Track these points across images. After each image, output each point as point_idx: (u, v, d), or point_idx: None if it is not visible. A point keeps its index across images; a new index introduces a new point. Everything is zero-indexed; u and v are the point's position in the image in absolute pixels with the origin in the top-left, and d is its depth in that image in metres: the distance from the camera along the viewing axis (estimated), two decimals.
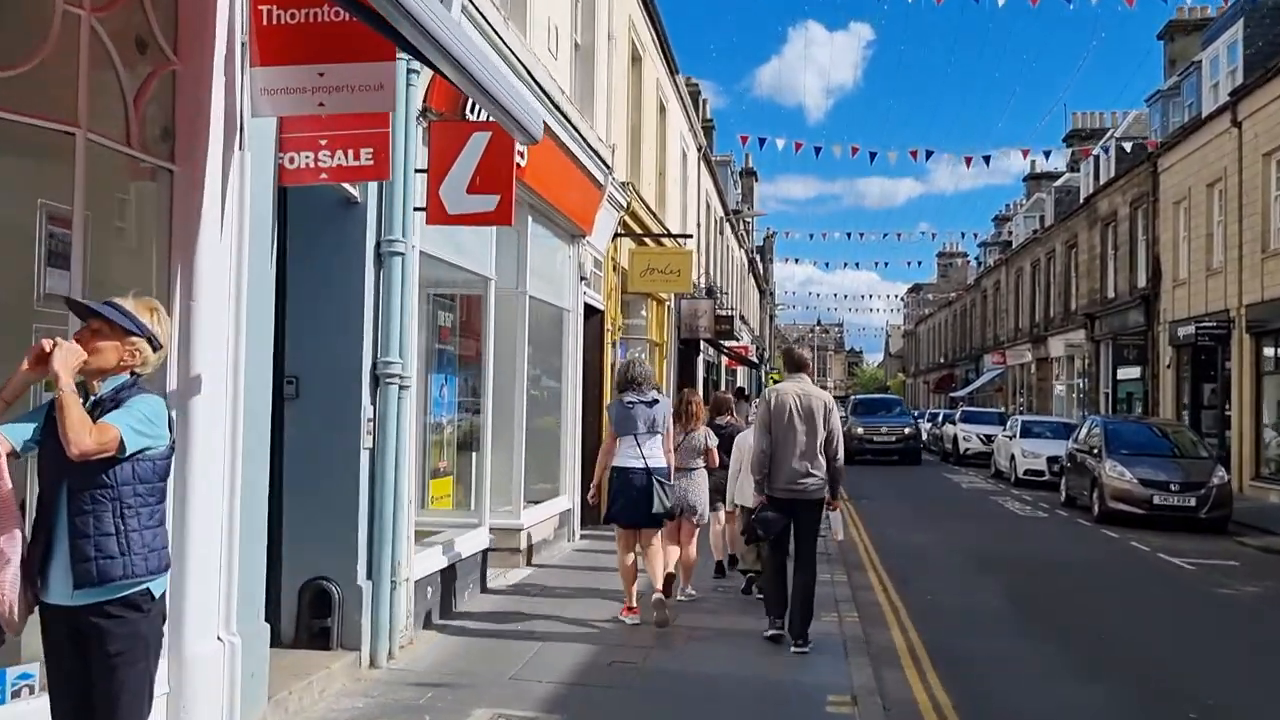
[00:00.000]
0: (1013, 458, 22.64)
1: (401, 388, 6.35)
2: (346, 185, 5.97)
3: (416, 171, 6.60)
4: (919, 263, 73.81)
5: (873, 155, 22.51)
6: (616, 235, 13.53)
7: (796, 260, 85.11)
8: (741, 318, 38.21)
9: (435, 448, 9.41)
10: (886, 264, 79.00)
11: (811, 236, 64.58)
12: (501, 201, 6.56)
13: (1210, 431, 21.76)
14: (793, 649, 6.82)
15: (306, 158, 5.26)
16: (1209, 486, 15.14)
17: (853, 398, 37.28)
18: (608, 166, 11.83)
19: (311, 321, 6.13)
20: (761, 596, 7.68)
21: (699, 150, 24.78)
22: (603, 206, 12.03)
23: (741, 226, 42.22)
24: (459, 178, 6.55)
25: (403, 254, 6.33)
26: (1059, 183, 40.74)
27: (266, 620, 5.18)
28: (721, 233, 31.90)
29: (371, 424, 6.18)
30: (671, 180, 20.09)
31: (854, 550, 12.48)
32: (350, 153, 5.26)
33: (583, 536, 12.14)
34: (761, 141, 22.30)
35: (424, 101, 6.74)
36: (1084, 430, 18.53)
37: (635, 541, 7.70)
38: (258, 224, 4.85)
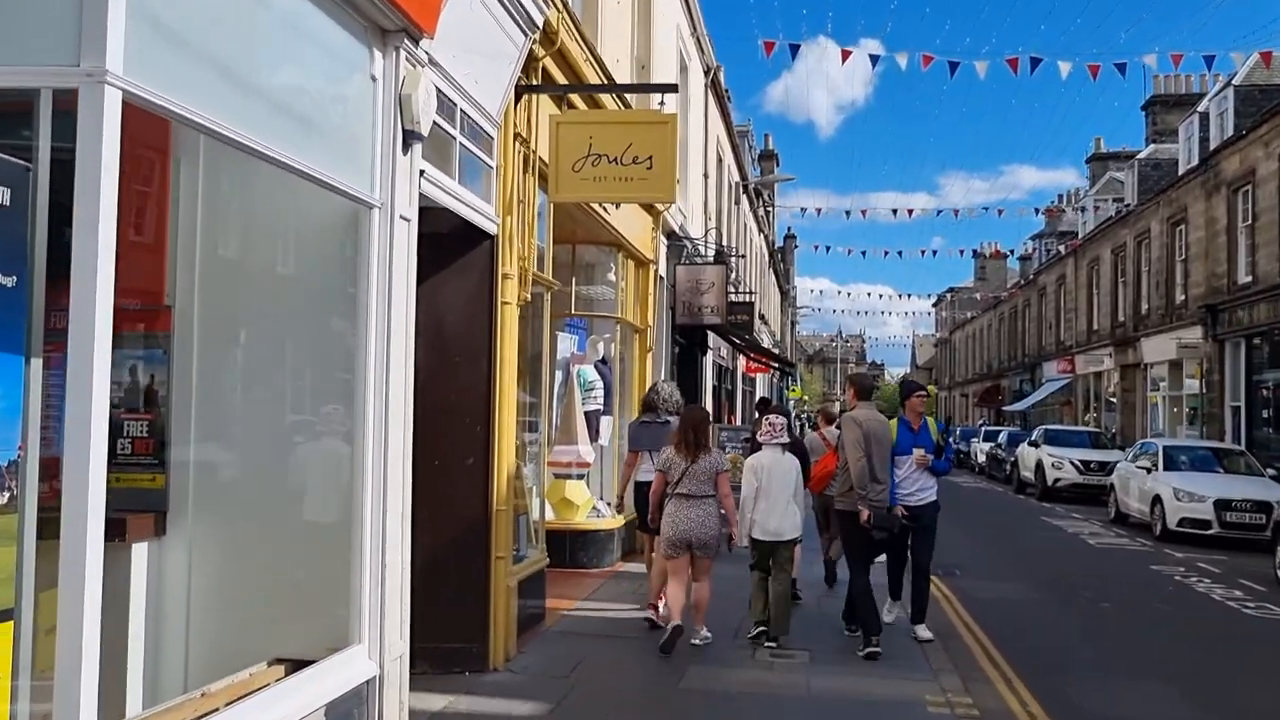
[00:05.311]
0: (1157, 500, 15.76)
1: None
2: None
3: None
4: (964, 251, 65.73)
5: (953, 66, 15.78)
6: (526, 89, 6.82)
7: (827, 248, 77.36)
8: (761, 316, 31.45)
9: None
10: (934, 253, 71.20)
11: (848, 214, 56.48)
12: None
13: None
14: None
15: None
16: None
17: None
18: None
19: None
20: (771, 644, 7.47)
21: (707, 73, 18.10)
22: None
23: (763, 208, 35.51)
24: None
25: None
26: (1143, 154, 33.90)
27: None
28: (737, 203, 25.17)
29: None
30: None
31: None
32: None
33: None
34: (794, 49, 15.55)
35: None
36: None
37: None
38: None
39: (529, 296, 6.99)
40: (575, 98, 7.71)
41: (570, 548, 10.43)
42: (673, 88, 7.79)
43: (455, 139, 5.85)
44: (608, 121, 6.83)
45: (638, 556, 11.53)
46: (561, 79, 7.35)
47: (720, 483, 7.30)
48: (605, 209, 9.68)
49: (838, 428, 8.75)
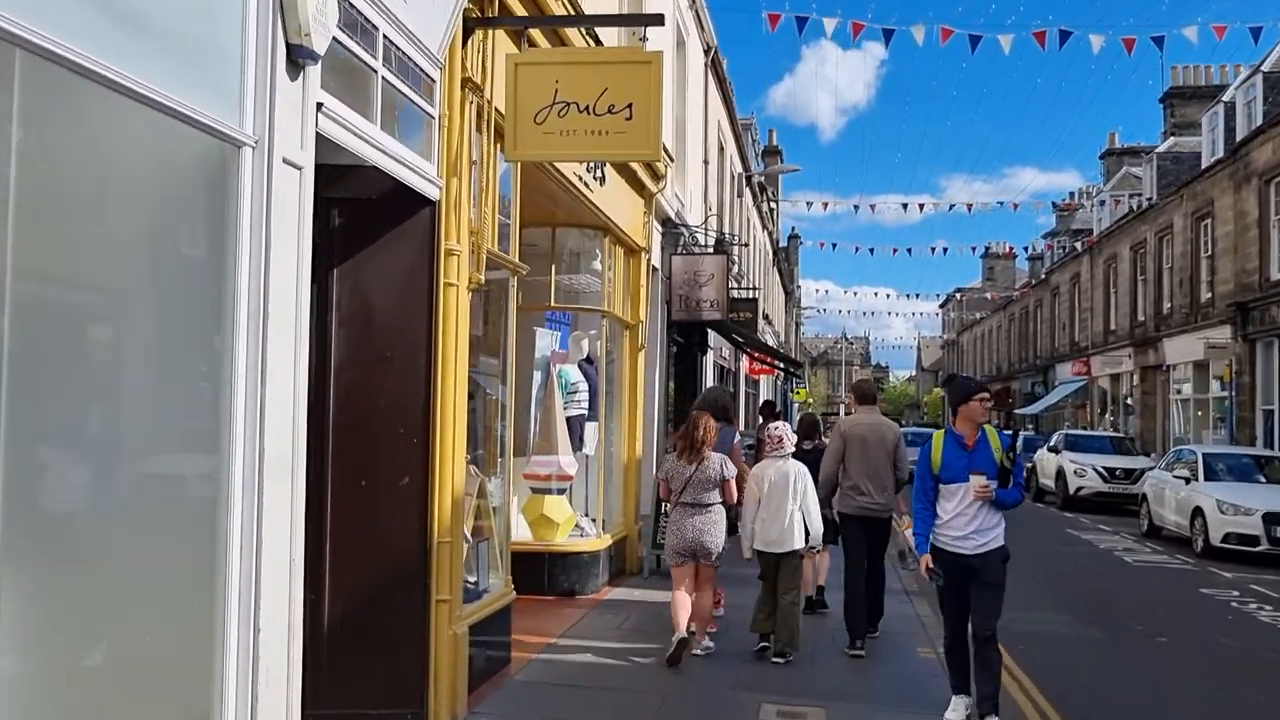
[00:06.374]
0: (1198, 513, 14.46)
1: None
2: None
3: None
4: (975, 248, 64.43)
5: (975, 40, 14.54)
6: (478, 23, 5.55)
7: (834, 245, 75.44)
8: (765, 316, 30.17)
9: None
10: (945, 250, 68.86)
11: (856, 208, 54.83)
12: None
13: None
14: (849, 651, 7.32)
15: None
16: None
17: None
18: None
19: None
20: (778, 659, 7.08)
21: (707, 52, 16.83)
22: None
23: (767, 204, 34.24)
24: None
25: None
26: (1162, 148, 32.58)
27: None
28: (740, 195, 23.90)
29: None
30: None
31: None
32: None
33: None
34: (801, 24, 14.28)
35: None
36: None
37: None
38: None
39: (484, 280, 5.72)
40: (539, 36, 6.43)
41: (549, 572, 9.18)
42: (658, 19, 6.48)
43: (377, 73, 4.59)
44: (578, 62, 5.54)
45: (627, 578, 10.30)
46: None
47: (726, 489, 7.12)
48: (587, 185, 8.43)
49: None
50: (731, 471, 7.21)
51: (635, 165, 10.01)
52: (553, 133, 5.47)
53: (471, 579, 6.58)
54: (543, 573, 9.11)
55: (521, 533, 9.54)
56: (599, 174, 8.82)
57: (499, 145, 5.90)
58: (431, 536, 5.22)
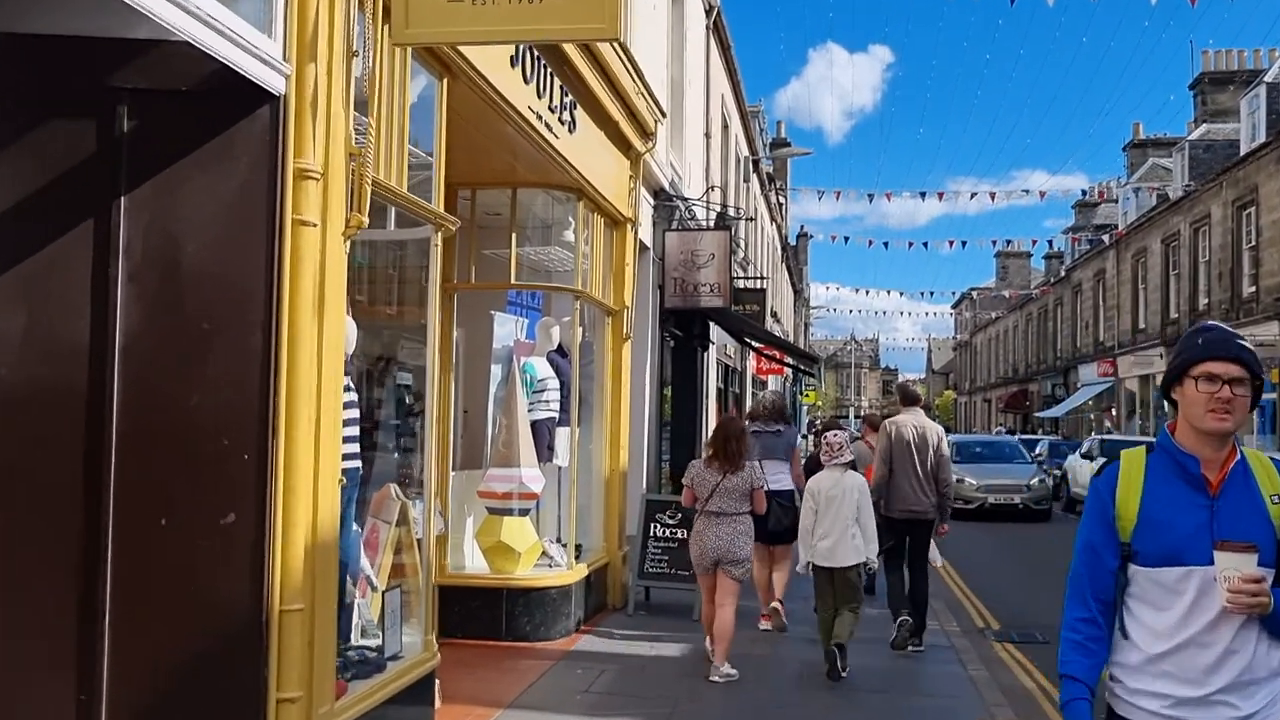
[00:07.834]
0: None
1: None
2: None
3: None
4: (995, 241, 62.29)
5: None
6: None
7: (845, 239, 72.67)
8: (774, 313, 28.37)
9: None
10: (964, 244, 65.72)
11: (871, 197, 51.46)
12: None
13: None
14: (910, 649, 7.49)
15: None
16: None
17: None
18: None
19: None
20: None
21: (709, 13, 15.06)
22: None
23: (776, 196, 32.49)
24: None
25: None
26: (1194, 136, 30.74)
27: None
28: (746, 181, 22.10)
29: None
30: (640, 11, 10.40)
31: None
32: None
33: None
34: None
35: None
36: None
37: (768, 556, 8.03)
38: None
39: (366, 221, 3.94)
40: None
41: (508, 612, 7.42)
42: None
43: None
44: None
45: (607, 615, 8.53)
46: None
47: (756, 499, 6.85)
48: (549, 127, 6.66)
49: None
50: (761, 481, 6.94)
51: (617, 116, 8.25)
52: (462, 0, 3.69)
53: (372, 644, 4.83)
54: (499, 613, 7.38)
55: (476, 563, 7.80)
56: (566, 116, 7.07)
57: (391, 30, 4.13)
58: (271, 602, 3.45)
